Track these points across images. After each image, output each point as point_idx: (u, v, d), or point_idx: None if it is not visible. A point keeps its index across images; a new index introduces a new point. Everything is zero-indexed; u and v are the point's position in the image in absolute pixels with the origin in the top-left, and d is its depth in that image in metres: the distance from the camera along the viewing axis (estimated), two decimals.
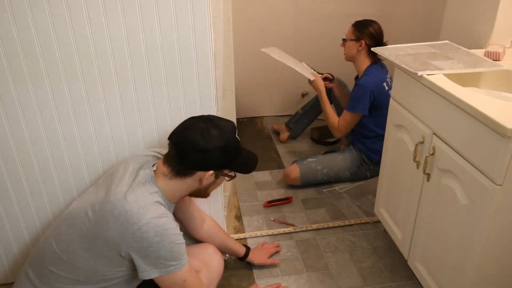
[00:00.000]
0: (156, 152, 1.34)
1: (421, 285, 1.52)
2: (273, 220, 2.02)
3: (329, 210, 2.10)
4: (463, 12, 1.79)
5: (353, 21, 2.46)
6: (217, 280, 1.48)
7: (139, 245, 1.11)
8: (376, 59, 2.16)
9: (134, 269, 1.18)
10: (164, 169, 1.22)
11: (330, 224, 1.98)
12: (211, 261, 1.45)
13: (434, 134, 1.34)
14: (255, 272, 1.71)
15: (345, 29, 2.29)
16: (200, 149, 1.18)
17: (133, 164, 1.24)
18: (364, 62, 2.18)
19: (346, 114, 2.18)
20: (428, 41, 1.70)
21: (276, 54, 2.36)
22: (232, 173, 1.31)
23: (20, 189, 1.45)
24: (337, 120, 2.23)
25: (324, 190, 2.24)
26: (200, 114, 1.31)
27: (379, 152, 2.18)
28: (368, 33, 2.12)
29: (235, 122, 2.33)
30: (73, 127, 1.39)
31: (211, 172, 1.22)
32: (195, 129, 1.20)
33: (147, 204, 1.13)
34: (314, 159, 2.26)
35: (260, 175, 2.39)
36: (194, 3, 1.27)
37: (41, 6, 1.21)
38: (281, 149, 2.67)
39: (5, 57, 1.26)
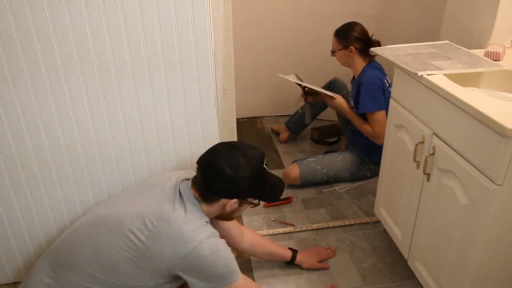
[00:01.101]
0: (186, 173, 1.38)
1: (421, 285, 1.52)
2: (273, 220, 2.02)
3: (329, 210, 2.10)
4: (463, 12, 1.79)
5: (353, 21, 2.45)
6: None
7: (194, 265, 1.17)
8: (371, 57, 2.15)
9: (174, 280, 1.23)
10: (193, 191, 1.26)
11: (330, 224, 1.98)
12: None
13: (434, 134, 1.34)
14: (255, 272, 1.71)
15: None
16: (226, 179, 1.20)
17: (174, 181, 1.28)
18: (360, 64, 2.17)
19: (372, 116, 2.08)
20: (428, 41, 1.70)
21: (294, 78, 2.40)
22: (256, 201, 1.32)
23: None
24: (370, 128, 2.11)
25: (324, 190, 2.24)
26: (228, 141, 1.34)
27: (379, 152, 2.19)
28: (353, 38, 2.11)
29: (235, 122, 2.34)
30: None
31: (235, 200, 1.25)
32: (223, 157, 1.22)
33: (201, 225, 1.20)
34: (314, 159, 2.26)
35: None
36: (194, 3, 1.27)
37: (41, 5, 1.21)
38: (281, 149, 2.67)
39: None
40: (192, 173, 1.35)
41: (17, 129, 1.36)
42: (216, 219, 1.38)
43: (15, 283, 1.61)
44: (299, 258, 1.68)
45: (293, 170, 2.22)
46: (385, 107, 1.99)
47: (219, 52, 1.91)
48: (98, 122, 1.39)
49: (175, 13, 1.28)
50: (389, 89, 2.10)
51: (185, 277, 1.19)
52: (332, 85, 2.58)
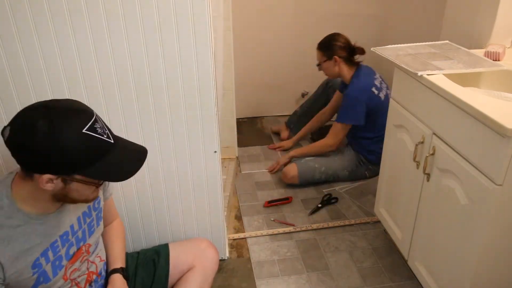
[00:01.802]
0: None
1: (421, 285, 1.52)
2: (273, 220, 2.02)
3: (329, 210, 2.10)
4: (463, 12, 1.79)
5: (353, 21, 2.46)
6: (212, 275, 1.43)
7: None
8: (357, 63, 2.19)
9: None
10: (20, 172, 1.00)
11: (330, 224, 1.98)
12: (204, 256, 1.42)
13: (434, 134, 1.34)
14: (255, 272, 1.71)
15: (345, 29, 2.29)
16: (22, 147, 0.91)
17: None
18: (348, 72, 2.21)
19: (336, 126, 2.22)
20: (428, 41, 1.70)
21: None
22: (91, 179, 0.99)
23: None
24: (322, 141, 2.29)
25: (324, 190, 2.24)
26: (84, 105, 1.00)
27: (375, 153, 2.21)
28: (336, 48, 2.17)
29: (235, 122, 2.33)
30: None
31: (46, 176, 0.92)
32: (22, 121, 0.93)
33: None
34: (312, 158, 2.27)
35: (260, 175, 2.39)
36: (194, 3, 1.27)
37: (40, 4, 1.21)
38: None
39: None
40: None
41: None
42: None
43: None
44: (116, 277, 1.24)
45: (292, 169, 2.23)
46: (376, 114, 2.11)
47: (219, 52, 1.92)
48: None
49: (175, 13, 1.28)
50: (381, 91, 2.14)
51: None
52: (329, 83, 2.59)
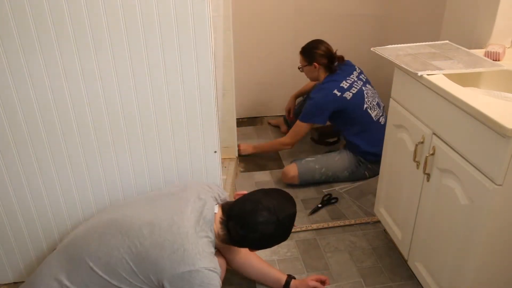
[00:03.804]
0: (217, 193, 1.39)
1: (421, 285, 1.52)
2: None
3: (329, 210, 2.10)
4: (463, 12, 1.79)
5: (353, 21, 2.45)
6: (222, 276, 1.47)
7: (181, 285, 1.15)
8: (332, 70, 2.28)
9: None
10: (220, 227, 1.30)
11: (330, 224, 1.98)
12: None
13: (434, 134, 1.34)
14: None
15: (345, 29, 2.30)
16: (261, 236, 1.28)
17: (197, 195, 1.30)
18: (316, 74, 2.33)
19: (297, 124, 2.34)
20: (428, 41, 1.70)
21: None
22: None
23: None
24: (280, 140, 2.44)
25: (324, 190, 2.24)
26: (267, 190, 1.41)
27: (372, 154, 2.22)
28: (317, 55, 2.28)
29: (235, 122, 2.34)
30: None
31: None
32: (259, 214, 1.28)
33: (205, 252, 1.20)
34: (313, 158, 2.27)
35: (260, 175, 2.39)
36: (194, 3, 1.27)
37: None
38: None
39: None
40: (214, 189, 1.39)
41: (19, 131, 1.36)
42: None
43: (15, 283, 1.61)
44: (294, 283, 1.57)
45: (292, 169, 2.23)
46: (345, 112, 2.22)
47: (219, 52, 1.92)
48: (98, 125, 1.39)
49: (175, 13, 1.28)
50: (348, 91, 2.22)
51: None
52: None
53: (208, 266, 1.18)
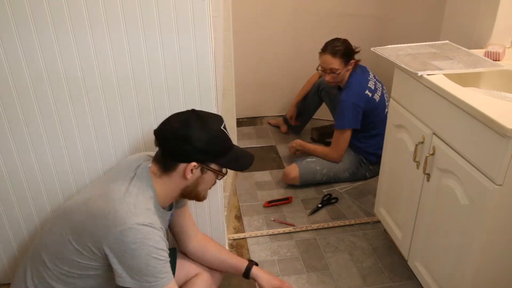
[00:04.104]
0: (152, 153, 1.30)
1: (421, 285, 1.52)
2: (273, 220, 2.02)
3: (329, 210, 2.10)
4: (463, 12, 1.79)
5: (353, 21, 2.44)
6: (218, 282, 1.46)
7: (118, 247, 1.07)
8: (355, 65, 2.19)
9: (109, 270, 1.12)
10: (154, 168, 1.19)
11: (330, 224, 1.98)
12: None
13: (434, 134, 1.34)
14: None
15: (345, 29, 2.30)
16: (178, 136, 1.14)
17: (131, 162, 1.23)
18: (347, 74, 2.21)
19: (336, 133, 2.21)
20: (428, 41, 1.70)
21: None
22: (221, 169, 1.22)
23: (20, 188, 1.45)
24: (327, 151, 2.27)
25: (324, 190, 2.24)
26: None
27: (375, 154, 2.22)
28: (353, 53, 2.18)
29: (235, 122, 2.34)
30: (74, 130, 1.39)
31: (193, 163, 1.15)
32: (175, 119, 1.19)
33: (139, 209, 1.10)
34: (314, 159, 2.26)
35: (260, 175, 2.39)
36: (194, 3, 1.27)
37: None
38: (281, 149, 2.67)
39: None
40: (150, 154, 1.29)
41: (18, 130, 1.36)
42: (181, 212, 1.35)
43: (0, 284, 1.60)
44: (255, 270, 1.40)
45: (293, 170, 2.23)
46: (372, 115, 2.16)
47: (219, 52, 1.91)
48: (98, 122, 1.39)
49: (175, 13, 1.28)
50: (375, 92, 2.16)
51: (114, 267, 1.08)
52: (320, 86, 2.58)
53: (141, 221, 1.07)
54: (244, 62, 2.77)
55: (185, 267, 1.39)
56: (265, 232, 1.94)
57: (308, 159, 2.27)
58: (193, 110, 1.22)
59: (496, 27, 1.63)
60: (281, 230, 1.95)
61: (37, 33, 1.24)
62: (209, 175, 1.21)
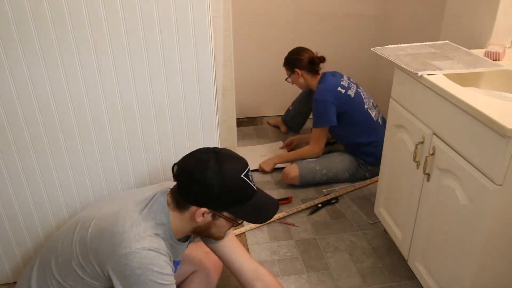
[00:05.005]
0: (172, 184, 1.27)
1: (421, 285, 1.52)
2: (273, 220, 2.02)
3: (329, 210, 2.10)
4: (463, 12, 1.79)
5: (353, 21, 2.45)
6: (216, 279, 1.45)
7: (122, 271, 1.05)
8: (316, 71, 2.31)
9: None
10: (169, 199, 1.16)
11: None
12: (208, 260, 1.43)
13: (434, 134, 1.34)
14: None
15: (345, 29, 2.30)
16: (192, 178, 1.09)
17: (152, 188, 1.21)
18: (313, 80, 2.33)
19: (314, 132, 2.28)
20: (428, 41, 1.70)
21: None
22: (233, 218, 1.15)
23: (22, 194, 1.45)
24: (307, 149, 2.32)
25: (324, 190, 2.24)
26: (210, 147, 1.20)
27: (372, 155, 2.23)
28: (296, 61, 2.31)
29: (235, 122, 2.34)
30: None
31: (203, 209, 1.11)
32: (195, 157, 1.13)
33: (147, 234, 1.08)
34: (313, 159, 2.27)
35: (260, 175, 2.39)
36: (194, 3, 1.27)
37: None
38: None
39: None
40: (168, 185, 1.26)
41: (18, 130, 1.36)
42: (225, 243, 1.30)
43: (15, 283, 1.61)
44: None
45: (292, 170, 2.23)
46: (345, 113, 2.21)
47: (219, 52, 1.92)
48: (99, 128, 1.39)
49: (175, 13, 1.28)
50: (349, 89, 2.23)
51: (115, 286, 1.07)
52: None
53: (146, 246, 1.05)
54: (244, 62, 2.77)
55: (182, 267, 1.39)
56: (265, 232, 1.94)
57: (308, 159, 2.27)
58: (215, 151, 1.14)
59: (496, 27, 1.63)
60: (281, 230, 1.95)
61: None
62: (221, 222, 1.16)
